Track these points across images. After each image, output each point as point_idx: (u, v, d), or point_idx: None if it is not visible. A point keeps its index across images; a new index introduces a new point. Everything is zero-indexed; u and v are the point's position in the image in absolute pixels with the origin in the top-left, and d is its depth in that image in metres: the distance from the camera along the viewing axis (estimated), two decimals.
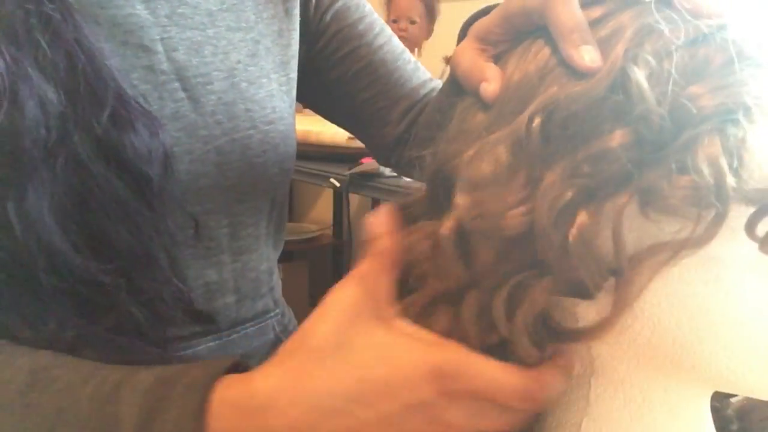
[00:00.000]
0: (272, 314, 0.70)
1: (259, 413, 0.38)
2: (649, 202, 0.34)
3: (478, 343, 0.37)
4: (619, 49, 0.35)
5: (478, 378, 0.36)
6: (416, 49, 2.28)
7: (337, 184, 1.71)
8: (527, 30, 0.40)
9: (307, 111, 1.23)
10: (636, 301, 0.36)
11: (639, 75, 0.34)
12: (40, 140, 0.47)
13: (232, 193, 0.61)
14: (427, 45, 2.40)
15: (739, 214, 0.35)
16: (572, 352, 0.39)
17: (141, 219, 0.52)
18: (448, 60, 0.46)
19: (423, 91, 0.74)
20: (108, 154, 0.49)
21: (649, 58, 0.35)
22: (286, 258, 2.54)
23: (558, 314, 0.38)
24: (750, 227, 0.34)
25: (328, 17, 0.72)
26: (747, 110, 0.33)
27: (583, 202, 0.34)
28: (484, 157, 0.37)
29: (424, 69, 0.77)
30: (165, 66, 0.57)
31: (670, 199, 0.34)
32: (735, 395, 0.47)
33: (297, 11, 0.68)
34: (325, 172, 1.77)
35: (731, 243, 0.36)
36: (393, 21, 2.38)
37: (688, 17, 0.35)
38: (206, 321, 0.62)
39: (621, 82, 0.35)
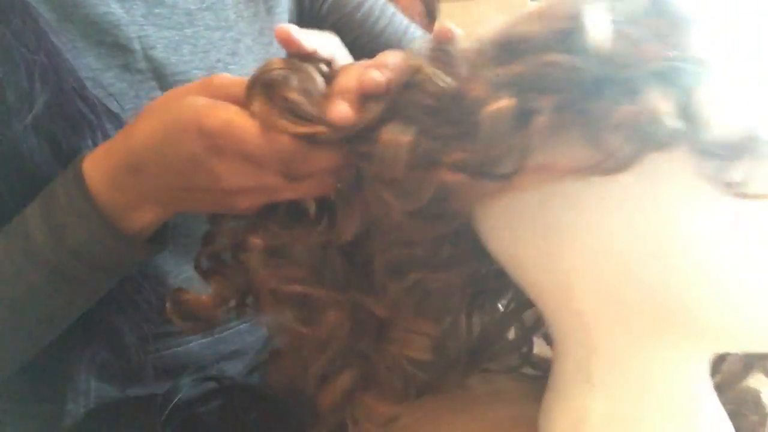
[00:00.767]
0: None
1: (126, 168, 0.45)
2: (583, 123, 0.35)
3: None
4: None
5: (241, 138, 0.41)
6: None
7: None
8: None
9: None
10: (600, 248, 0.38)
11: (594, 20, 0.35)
12: None
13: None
14: None
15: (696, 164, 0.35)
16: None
17: None
18: None
19: None
20: (66, 159, 0.50)
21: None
22: None
23: None
24: (715, 177, 0.34)
25: (324, 8, 0.72)
26: (700, 64, 0.34)
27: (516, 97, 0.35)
28: None
29: None
30: (142, 65, 0.58)
31: (603, 129, 0.34)
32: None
33: (281, 9, 0.69)
34: None
35: (685, 189, 0.36)
36: None
37: None
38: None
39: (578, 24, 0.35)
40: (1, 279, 0.48)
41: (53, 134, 0.50)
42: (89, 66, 0.54)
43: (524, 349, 0.53)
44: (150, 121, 0.44)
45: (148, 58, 0.58)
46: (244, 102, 0.42)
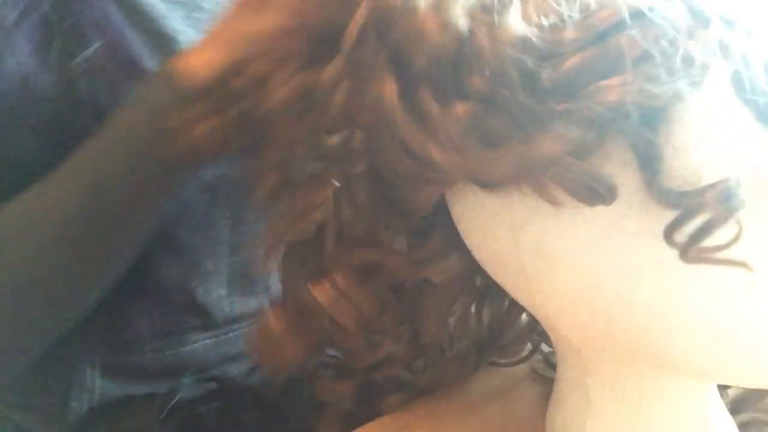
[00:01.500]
0: None
1: None
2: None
3: None
4: None
5: None
6: None
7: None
8: None
9: None
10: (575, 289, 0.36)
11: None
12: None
13: (237, 186, 0.63)
14: None
15: (656, 219, 0.32)
16: None
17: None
18: None
19: None
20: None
21: None
22: None
23: None
24: (668, 234, 0.31)
25: None
26: (663, 107, 0.31)
27: None
28: None
29: None
30: None
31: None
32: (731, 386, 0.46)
33: None
34: None
35: (652, 242, 0.33)
36: None
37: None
38: (200, 312, 0.64)
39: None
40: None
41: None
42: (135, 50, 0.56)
43: (533, 340, 0.53)
44: None
45: None
46: None
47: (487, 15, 0.33)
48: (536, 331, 0.52)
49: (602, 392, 0.41)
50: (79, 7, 0.54)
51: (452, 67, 0.33)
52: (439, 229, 0.42)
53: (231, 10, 0.46)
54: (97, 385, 0.61)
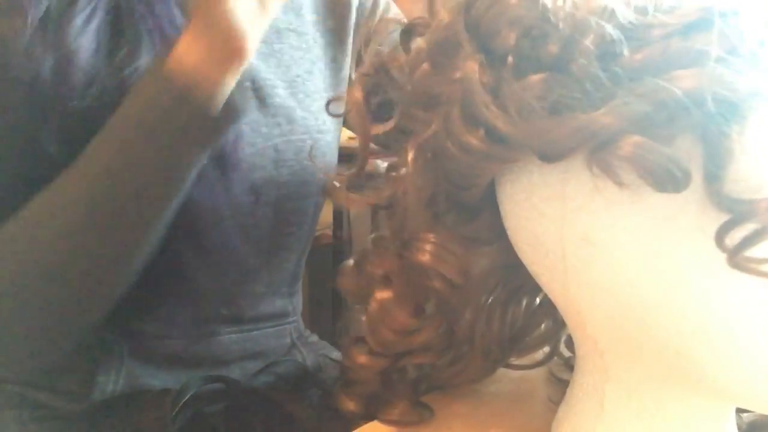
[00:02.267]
0: (290, 319, 0.74)
1: None
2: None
3: None
4: None
5: None
6: None
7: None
8: None
9: None
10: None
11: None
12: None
13: (283, 189, 0.66)
14: None
15: (711, 219, 0.33)
16: None
17: (213, 178, 0.58)
18: None
19: None
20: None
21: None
22: None
23: None
24: (720, 236, 0.32)
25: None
26: (740, 103, 0.31)
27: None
28: None
29: None
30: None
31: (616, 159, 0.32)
32: (748, 411, 0.45)
33: (350, 40, 0.76)
34: None
35: (702, 243, 0.33)
36: None
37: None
38: (233, 307, 0.66)
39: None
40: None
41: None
42: None
43: (551, 345, 0.53)
44: None
45: None
46: None
47: None
48: (557, 338, 0.53)
49: (618, 400, 0.41)
50: (142, 12, 0.57)
51: (531, 40, 0.34)
52: (486, 212, 0.43)
53: None
54: (124, 364, 0.62)
